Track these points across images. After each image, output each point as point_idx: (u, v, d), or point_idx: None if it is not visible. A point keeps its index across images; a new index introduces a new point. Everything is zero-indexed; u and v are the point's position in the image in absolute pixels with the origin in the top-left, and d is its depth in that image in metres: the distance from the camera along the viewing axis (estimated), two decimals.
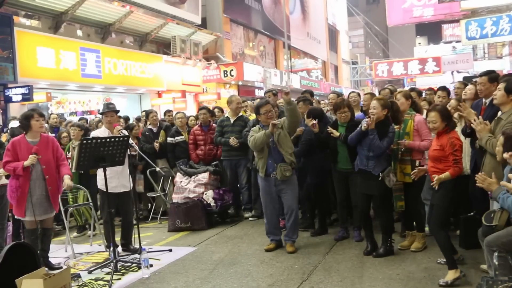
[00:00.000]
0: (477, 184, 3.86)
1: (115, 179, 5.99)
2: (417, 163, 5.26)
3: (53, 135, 8.08)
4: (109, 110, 6.19)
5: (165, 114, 9.96)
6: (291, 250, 5.79)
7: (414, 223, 5.68)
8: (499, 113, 4.60)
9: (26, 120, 5.47)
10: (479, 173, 3.89)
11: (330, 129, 5.96)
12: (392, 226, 5.67)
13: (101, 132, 6.18)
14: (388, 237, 5.50)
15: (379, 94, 7.90)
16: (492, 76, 5.18)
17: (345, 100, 6.40)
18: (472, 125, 4.53)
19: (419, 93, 7.27)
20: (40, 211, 5.49)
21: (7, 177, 5.95)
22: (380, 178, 5.29)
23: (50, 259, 5.82)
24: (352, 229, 6.28)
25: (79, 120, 10.71)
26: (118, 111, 6.37)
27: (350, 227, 6.39)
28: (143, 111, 10.92)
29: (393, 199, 5.53)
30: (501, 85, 4.51)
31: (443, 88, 7.00)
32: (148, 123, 8.93)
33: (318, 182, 6.53)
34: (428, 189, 5.23)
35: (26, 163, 5.31)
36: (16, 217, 5.62)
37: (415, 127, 5.40)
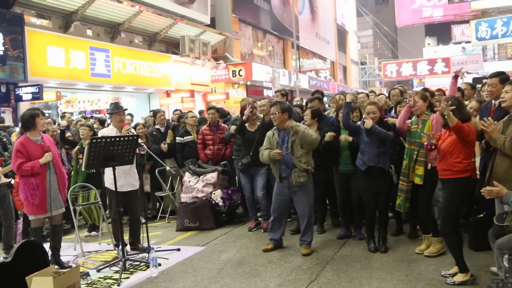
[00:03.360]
0: (486, 197, 3.80)
1: (122, 178, 6.02)
2: (429, 166, 5.17)
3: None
4: (119, 110, 6.23)
5: (173, 113, 9.95)
6: (305, 252, 5.75)
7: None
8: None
9: (32, 119, 5.49)
10: (484, 188, 3.82)
11: (343, 136, 6.03)
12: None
13: (109, 131, 6.22)
14: (387, 232, 5.86)
15: (389, 93, 7.89)
16: (503, 77, 5.12)
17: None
18: (482, 127, 4.36)
19: (432, 94, 7.22)
20: (57, 206, 5.59)
21: (6, 176, 6.00)
22: (391, 175, 5.60)
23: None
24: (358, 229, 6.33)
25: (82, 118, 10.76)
26: (125, 109, 6.43)
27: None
28: (151, 110, 10.96)
29: (400, 199, 5.45)
30: (509, 87, 4.39)
31: (458, 90, 6.95)
32: (156, 122, 8.95)
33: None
34: (438, 190, 5.19)
35: (42, 160, 5.40)
36: (31, 216, 5.57)
37: (433, 127, 5.34)
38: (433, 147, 4.72)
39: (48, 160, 5.45)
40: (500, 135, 4.24)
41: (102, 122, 10.42)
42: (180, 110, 10.41)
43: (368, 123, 5.50)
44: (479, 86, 7.71)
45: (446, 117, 4.38)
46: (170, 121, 9.52)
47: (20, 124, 8.62)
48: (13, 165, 5.44)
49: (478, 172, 5.30)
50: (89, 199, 7.22)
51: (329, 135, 6.07)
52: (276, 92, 8.47)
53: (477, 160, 5.33)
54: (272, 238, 6.07)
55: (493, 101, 5.20)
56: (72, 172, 7.73)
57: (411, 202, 5.45)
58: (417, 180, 5.25)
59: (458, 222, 4.81)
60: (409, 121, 5.47)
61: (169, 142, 8.35)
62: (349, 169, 6.09)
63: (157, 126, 8.80)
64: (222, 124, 8.15)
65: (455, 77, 6.17)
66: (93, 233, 7.30)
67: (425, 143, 4.82)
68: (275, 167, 5.88)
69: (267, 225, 6.80)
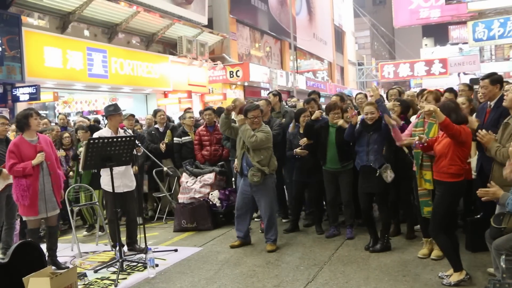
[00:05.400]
0: (482, 199, 3.81)
1: (118, 179, 5.97)
2: None
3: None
4: (118, 112, 6.23)
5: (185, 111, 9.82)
6: (270, 249, 5.96)
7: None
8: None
9: (25, 119, 5.44)
10: (480, 190, 3.83)
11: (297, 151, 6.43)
12: (390, 222, 5.94)
13: (104, 132, 6.19)
14: (386, 232, 5.78)
15: (387, 94, 7.89)
16: (494, 78, 5.12)
17: (337, 103, 6.78)
18: (477, 138, 4.45)
19: None
20: (50, 208, 5.52)
21: None
22: (377, 174, 5.58)
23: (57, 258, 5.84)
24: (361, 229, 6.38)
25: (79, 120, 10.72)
26: (124, 110, 6.42)
27: (357, 228, 6.56)
28: (154, 110, 10.96)
29: (420, 204, 5.21)
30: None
31: (450, 90, 6.97)
32: (156, 122, 8.94)
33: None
34: None
35: (35, 161, 5.32)
36: (24, 217, 5.57)
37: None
38: (425, 144, 4.70)
39: (40, 161, 5.36)
40: (494, 144, 4.33)
41: (96, 123, 10.43)
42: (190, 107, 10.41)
43: (376, 94, 5.61)
44: (476, 87, 7.72)
45: (434, 114, 4.39)
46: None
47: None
48: (6, 166, 5.40)
49: (474, 173, 5.31)
50: (92, 200, 7.20)
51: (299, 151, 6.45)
52: (268, 93, 8.46)
53: (473, 160, 5.34)
54: (238, 236, 6.27)
55: (488, 102, 5.21)
56: (70, 173, 7.73)
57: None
58: (427, 185, 5.04)
59: (455, 223, 4.81)
60: (414, 122, 5.44)
61: (167, 142, 8.35)
62: (337, 167, 6.25)
63: (156, 126, 8.80)
64: (218, 125, 8.13)
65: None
66: (99, 233, 7.18)
67: (416, 142, 4.80)
68: (238, 161, 6.17)
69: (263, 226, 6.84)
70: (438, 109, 4.35)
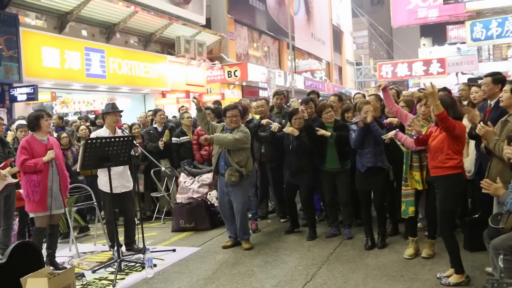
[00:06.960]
0: (483, 191, 3.81)
1: (115, 179, 5.97)
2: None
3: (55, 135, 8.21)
4: (115, 111, 6.20)
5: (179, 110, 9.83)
6: (246, 247, 6.07)
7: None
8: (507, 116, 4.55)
9: (36, 120, 5.57)
10: (485, 179, 3.84)
11: (320, 130, 6.18)
12: (386, 220, 6.02)
13: (102, 132, 6.19)
14: (385, 229, 5.89)
15: None
16: (497, 78, 5.12)
17: (326, 102, 6.82)
18: (476, 130, 4.44)
19: None
20: (57, 205, 5.58)
21: (13, 176, 5.99)
22: (386, 172, 5.70)
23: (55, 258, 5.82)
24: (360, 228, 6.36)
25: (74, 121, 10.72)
26: (121, 111, 6.39)
27: (356, 227, 6.57)
28: (149, 110, 10.93)
29: (403, 204, 5.26)
30: (507, 87, 4.46)
31: (444, 89, 7.00)
32: (154, 121, 8.95)
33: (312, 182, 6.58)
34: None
35: (46, 158, 5.45)
36: (31, 214, 5.59)
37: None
38: (419, 137, 4.68)
39: (51, 157, 5.48)
40: (493, 137, 4.30)
41: (92, 123, 10.43)
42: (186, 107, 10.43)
43: (369, 117, 5.51)
44: None
45: (432, 103, 4.32)
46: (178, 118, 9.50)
47: (15, 124, 8.61)
48: (17, 161, 5.50)
49: (467, 173, 5.29)
50: (76, 202, 7.17)
51: (274, 125, 6.46)
52: (277, 93, 8.28)
53: (467, 160, 5.33)
54: (230, 235, 6.32)
55: (488, 101, 5.21)
56: None
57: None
58: (417, 186, 5.09)
59: (454, 223, 4.81)
60: (410, 120, 5.43)
61: (165, 141, 8.33)
62: (336, 167, 6.23)
63: (155, 125, 8.78)
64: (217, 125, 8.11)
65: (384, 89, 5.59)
66: (93, 232, 7.13)
67: (413, 133, 4.78)
68: (214, 159, 6.22)
69: (255, 226, 6.98)
70: (439, 101, 4.31)
